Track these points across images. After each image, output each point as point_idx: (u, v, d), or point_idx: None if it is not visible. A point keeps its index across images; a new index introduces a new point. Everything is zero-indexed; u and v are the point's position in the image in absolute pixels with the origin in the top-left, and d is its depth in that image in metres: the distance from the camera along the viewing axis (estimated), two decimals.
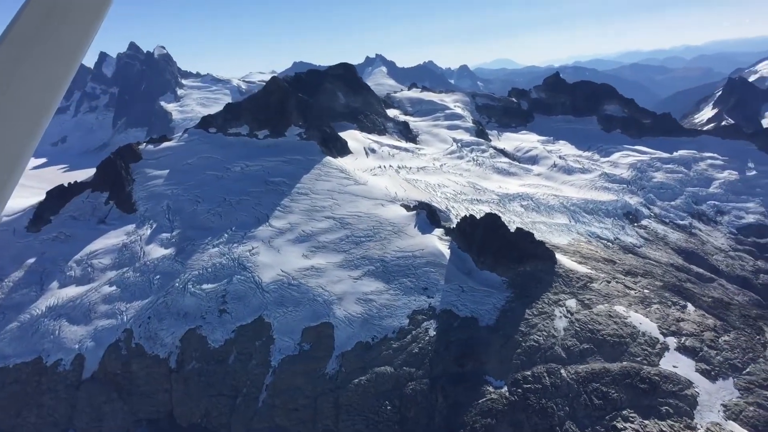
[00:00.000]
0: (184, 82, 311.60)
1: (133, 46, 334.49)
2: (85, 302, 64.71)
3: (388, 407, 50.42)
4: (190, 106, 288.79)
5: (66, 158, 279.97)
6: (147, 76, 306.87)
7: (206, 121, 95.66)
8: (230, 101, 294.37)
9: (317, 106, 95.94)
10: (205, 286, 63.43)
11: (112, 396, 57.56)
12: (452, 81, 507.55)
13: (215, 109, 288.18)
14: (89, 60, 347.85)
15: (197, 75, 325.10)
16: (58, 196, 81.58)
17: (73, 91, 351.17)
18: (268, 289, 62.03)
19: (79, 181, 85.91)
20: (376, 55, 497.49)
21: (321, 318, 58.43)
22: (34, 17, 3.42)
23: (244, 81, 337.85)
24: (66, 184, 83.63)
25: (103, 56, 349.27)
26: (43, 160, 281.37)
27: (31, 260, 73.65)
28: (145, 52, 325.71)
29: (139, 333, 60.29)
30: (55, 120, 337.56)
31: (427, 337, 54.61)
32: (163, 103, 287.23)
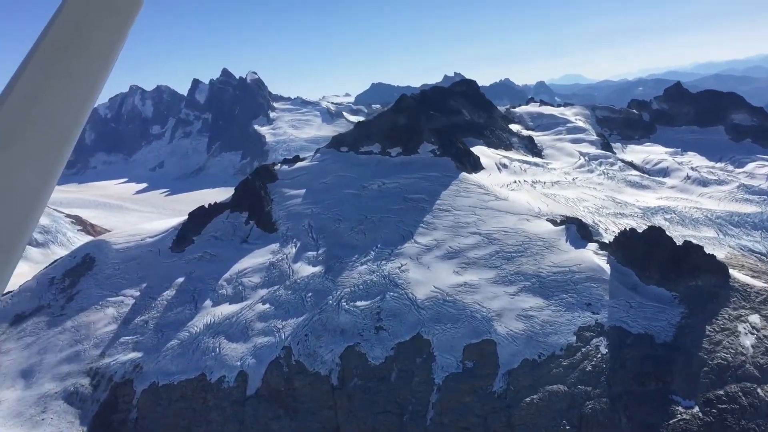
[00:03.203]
0: (275, 105, 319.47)
1: (225, 72, 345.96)
2: (242, 320, 65.82)
3: (567, 427, 48.85)
4: (283, 129, 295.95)
5: (165, 183, 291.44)
6: (240, 101, 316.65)
7: (337, 141, 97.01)
8: (320, 123, 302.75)
9: (445, 123, 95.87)
10: (358, 303, 63.47)
11: (279, 413, 58.03)
12: (531, 97, 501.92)
13: (306, 130, 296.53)
14: (182, 87, 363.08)
15: (287, 98, 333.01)
16: (199, 217, 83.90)
17: (168, 118, 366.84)
18: (424, 306, 61.48)
19: (217, 202, 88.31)
20: (455, 73, 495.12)
21: (482, 335, 57.30)
22: (66, 27, 3.12)
23: (332, 103, 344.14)
24: (207, 206, 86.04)
25: (195, 83, 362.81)
26: (144, 185, 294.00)
27: (180, 279, 75.79)
28: (237, 77, 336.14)
29: (298, 350, 60.74)
30: (153, 146, 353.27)
31: (599, 355, 52.74)
32: (256, 127, 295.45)
